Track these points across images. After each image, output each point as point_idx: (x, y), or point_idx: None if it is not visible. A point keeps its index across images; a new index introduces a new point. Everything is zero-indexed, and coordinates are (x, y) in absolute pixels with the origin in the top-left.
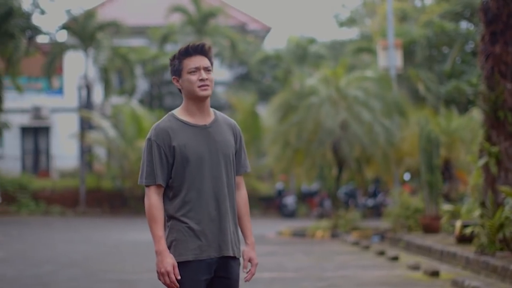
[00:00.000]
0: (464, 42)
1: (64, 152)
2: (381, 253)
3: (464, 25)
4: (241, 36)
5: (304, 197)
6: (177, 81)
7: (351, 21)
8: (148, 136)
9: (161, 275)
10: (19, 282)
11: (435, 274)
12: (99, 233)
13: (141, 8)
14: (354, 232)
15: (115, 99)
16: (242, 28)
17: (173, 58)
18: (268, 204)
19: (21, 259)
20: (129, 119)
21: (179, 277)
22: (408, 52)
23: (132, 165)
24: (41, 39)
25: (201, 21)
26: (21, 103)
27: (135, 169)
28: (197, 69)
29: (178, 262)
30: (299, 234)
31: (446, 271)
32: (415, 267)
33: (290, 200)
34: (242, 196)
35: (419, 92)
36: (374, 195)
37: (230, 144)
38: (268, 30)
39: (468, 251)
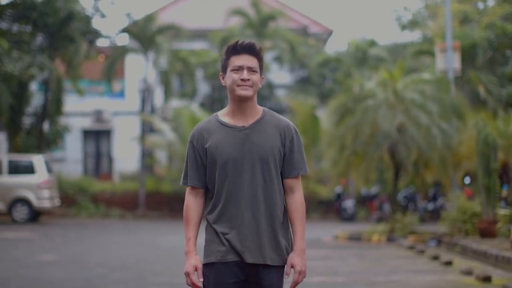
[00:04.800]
0: None
1: (125, 155)
2: (435, 257)
3: None
4: (302, 39)
5: (364, 201)
6: (223, 78)
7: (413, 24)
8: (189, 137)
9: (184, 275)
10: (68, 285)
11: (487, 279)
12: (156, 236)
13: (201, 11)
14: (410, 236)
15: (176, 103)
16: (303, 31)
17: (223, 55)
18: (328, 208)
19: (73, 262)
20: (189, 123)
21: (201, 279)
22: (469, 54)
23: None
24: (101, 42)
25: (261, 24)
26: (82, 106)
27: None
28: (241, 68)
29: (204, 264)
30: (355, 238)
31: (499, 276)
32: (468, 272)
33: (349, 204)
34: (294, 200)
35: (480, 95)
36: (434, 198)
37: (270, 146)
38: (330, 33)
39: None
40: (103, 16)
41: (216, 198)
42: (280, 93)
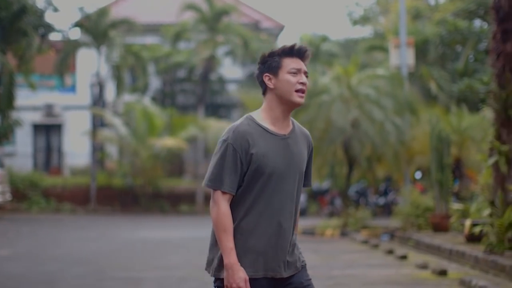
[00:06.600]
0: (477, 40)
1: (76, 149)
2: (390, 252)
3: (477, 23)
4: (254, 34)
5: (315, 195)
6: (270, 79)
7: (364, 19)
8: (224, 137)
9: None
10: (27, 280)
11: (443, 273)
12: (109, 231)
13: (154, 6)
14: (363, 230)
15: (127, 97)
16: (255, 26)
17: (270, 54)
18: None
19: (29, 257)
20: (141, 117)
21: None
22: (421, 50)
23: (143, 163)
24: (54, 36)
25: (214, 19)
26: (33, 100)
27: (146, 167)
28: (298, 71)
29: None
30: (309, 233)
31: (455, 270)
32: (423, 266)
33: (301, 198)
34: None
35: (431, 90)
36: (385, 193)
37: (304, 157)
38: (281, 28)
39: (477, 250)
40: (55, 10)
41: (250, 207)
42: (232, 87)
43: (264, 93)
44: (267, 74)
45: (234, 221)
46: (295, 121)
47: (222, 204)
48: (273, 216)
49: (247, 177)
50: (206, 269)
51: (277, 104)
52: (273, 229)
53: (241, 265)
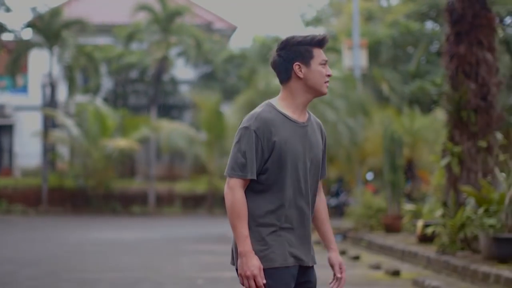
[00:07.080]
0: (429, 42)
1: (27, 150)
2: (343, 252)
3: (429, 25)
4: (206, 35)
5: None
6: (300, 68)
7: (317, 21)
8: (246, 124)
9: (245, 278)
10: None
11: (396, 273)
12: (61, 232)
13: (107, 6)
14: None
15: (80, 98)
16: (208, 27)
17: (300, 42)
18: None
19: None
20: (93, 118)
21: (264, 281)
22: (373, 52)
23: (95, 164)
24: (5, 36)
25: (167, 19)
26: None
27: (98, 168)
28: (326, 63)
29: (264, 269)
30: None
31: (407, 270)
32: (376, 267)
33: None
34: (322, 200)
35: (384, 92)
36: (336, 194)
37: (321, 146)
38: (234, 29)
39: (429, 251)
40: (8, 10)
41: (278, 196)
42: (184, 88)
43: (285, 80)
44: (298, 63)
45: (262, 211)
46: (309, 111)
47: (237, 191)
48: (299, 205)
49: (271, 166)
50: (231, 262)
51: (302, 93)
52: (300, 218)
53: (273, 254)
